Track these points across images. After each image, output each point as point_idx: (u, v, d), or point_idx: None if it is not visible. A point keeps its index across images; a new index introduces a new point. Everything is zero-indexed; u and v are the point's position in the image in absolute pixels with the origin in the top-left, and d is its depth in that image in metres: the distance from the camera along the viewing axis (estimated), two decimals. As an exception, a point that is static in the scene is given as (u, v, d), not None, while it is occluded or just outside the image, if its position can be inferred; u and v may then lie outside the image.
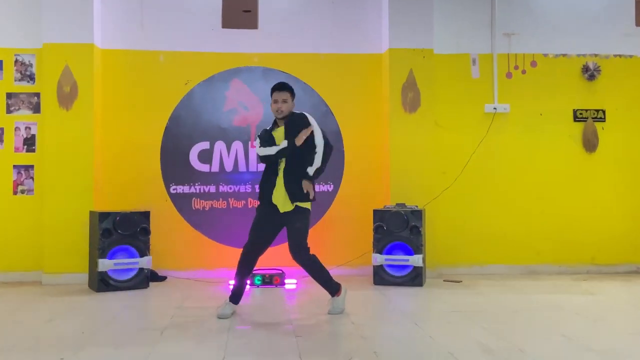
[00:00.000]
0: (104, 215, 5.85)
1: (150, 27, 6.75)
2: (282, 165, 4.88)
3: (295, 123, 4.90)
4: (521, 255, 7.00)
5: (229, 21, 6.91)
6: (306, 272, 5.02)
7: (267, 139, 4.90)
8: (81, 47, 6.38)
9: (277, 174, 4.87)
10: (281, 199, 4.83)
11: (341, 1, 6.95)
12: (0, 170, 6.52)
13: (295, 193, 4.81)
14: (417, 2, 6.75)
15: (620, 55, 7.11)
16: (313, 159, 4.86)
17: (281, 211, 4.83)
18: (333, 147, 5.09)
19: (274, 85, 4.99)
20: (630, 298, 5.56)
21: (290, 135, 4.84)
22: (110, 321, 4.66)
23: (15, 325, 4.54)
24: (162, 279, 6.50)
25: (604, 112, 7.07)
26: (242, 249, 4.93)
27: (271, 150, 4.82)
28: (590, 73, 7.05)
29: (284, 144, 4.81)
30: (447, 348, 3.80)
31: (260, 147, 4.89)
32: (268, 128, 5.05)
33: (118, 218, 5.86)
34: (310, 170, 4.83)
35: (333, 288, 4.98)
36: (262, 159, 4.95)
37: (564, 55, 7.08)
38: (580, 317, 4.76)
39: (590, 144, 7.05)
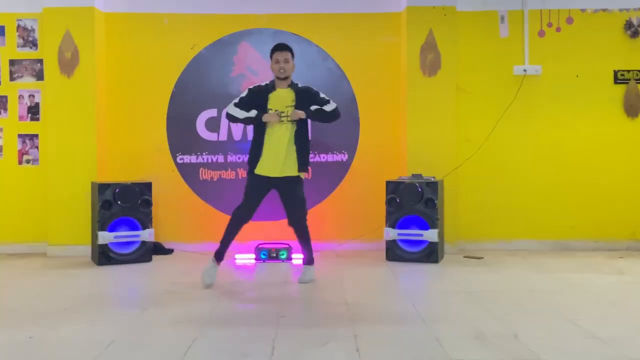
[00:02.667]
0: (103, 187, 5.91)
1: (154, -12, 6.71)
2: (283, 131, 5.02)
3: (308, 94, 5.13)
4: (553, 229, 6.75)
5: (237, -20, 6.82)
6: (297, 236, 5.24)
7: (247, 102, 5.09)
8: (82, 10, 6.39)
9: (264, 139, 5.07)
10: (280, 164, 5.00)
11: (357, -45, 6.76)
12: (5, 140, 6.66)
13: (301, 162, 5.05)
14: (439, -48, 6.50)
15: (668, 9, 6.70)
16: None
17: (277, 175, 5.00)
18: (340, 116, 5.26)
19: (275, 46, 5.20)
20: (664, 279, 5.31)
21: (302, 105, 5.04)
22: (95, 297, 4.72)
23: None
24: (168, 251, 6.56)
25: (649, 73, 6.70)
26: (235, 213, 5.11)
27: (239, 114, 5.08)
28: (634, 29, 6.66)
29: (252, 112, 5.02)
30: (436, 333, 3.69)
31: (233, 105, 5.12)
32: (263, 85, 5.18)
33: (118, 190, 5.91)
34: (328, 107, 5.11)
35: (312, 256, 5.24)
36: (227, 116, 5.20)
37: (604, 10, 6.69)
38: (598, 299, 4.57)
39: (633, 108, 6.70)
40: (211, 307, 4.35)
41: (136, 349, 3.47)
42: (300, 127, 5.07)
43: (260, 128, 5.06)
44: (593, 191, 6.71)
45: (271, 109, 5.03)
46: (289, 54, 5.10)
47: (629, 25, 6.67)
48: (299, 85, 5.18)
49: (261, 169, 5.01)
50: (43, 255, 6.45)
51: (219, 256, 5.09)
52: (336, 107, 5.13)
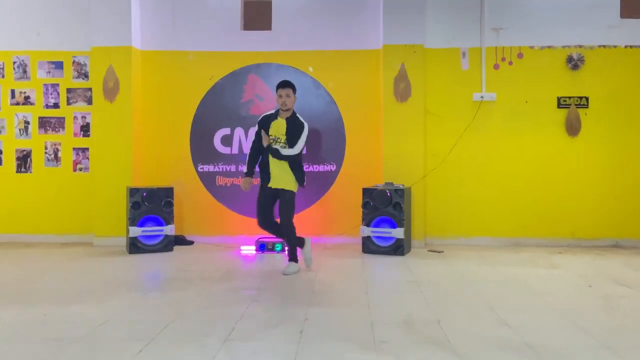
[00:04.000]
0: (133, 191, 5.95)
1: (181, 30, 6.72)
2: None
3: (295, 128, 4.96)
4: (507, 228, 6.57)
5: (247, 24, 6.80)
6: (283, 233, 5.10)
7: (258, 131, 5.06)
8: (122, 49, 6.44)
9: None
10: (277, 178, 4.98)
11: (345, 1, 6.66)
12: (63, 152, 6.76)
13: (291, 177, 5.00)
14: (411, 1, 6.36)
15: (604, 46, 6.44)
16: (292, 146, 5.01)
17: (277, 187, 4.97)
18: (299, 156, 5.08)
19: (279, 83, 5.05)
20: (588, 272, 5.07)
21: (289, 134, 4.94)
22: (114, 280, 4.71)
23: (28, 280, 4.69)
24: (190, 243, 6.57)
25: (587, 99, 6.46)
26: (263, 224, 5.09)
27: (248, 163, 5.14)
28: (574, 63, 6.44)
29: (248, 168, 5.16)
30: (374, 317, 3.59)
31: (251, 152, 5.14)
32: (269, 114, 5.09)
33: (145, 193, 5.94)
34: (283, 152, 4.93)
35: (295, 255, 5.12)
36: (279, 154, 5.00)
37: (549, 47, 6.49)
38: (524, 289, 4.40)
39: (573, 128, 6.48)
40: (198, 291, 4.32)
41: (123, 327, 3.45)
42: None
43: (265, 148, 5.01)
44: (540, 197, 6.52)
45: (271, 135, 4.96)
46: (291, 90, 4.97)
47: (569, 59, 6.45)
48: (297, 118, 5.00)
49: (264, 180, 5.02)
50: (90, 244, 6.53)
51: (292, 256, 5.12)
52: (293, 155, 4.92)
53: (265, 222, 5.03)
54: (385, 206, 5.86)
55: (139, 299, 4.10)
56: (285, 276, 4.90)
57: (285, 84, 4.99)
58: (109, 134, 6.48)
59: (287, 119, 4.99)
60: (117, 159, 6.46)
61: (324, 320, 3.56)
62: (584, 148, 6.47)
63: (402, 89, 6.36)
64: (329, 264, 5.43)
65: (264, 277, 4.91)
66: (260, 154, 5.04)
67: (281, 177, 4.94)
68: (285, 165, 4.94)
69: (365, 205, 5.95)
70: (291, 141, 4.92)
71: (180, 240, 6.47)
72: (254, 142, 5.09)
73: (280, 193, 4.98)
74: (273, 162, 4.94)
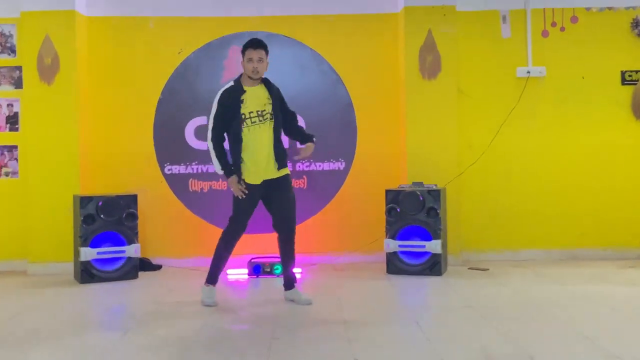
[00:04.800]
0: (85, 200, 5.63)
1: (139, -10, 6.46)
2: (264, 131, 4.65)
3: (279, 95, 4.79)
4: (561, 238, 6.50)
5: (225, -19, 6.58)
6: (283, 250, 4.82)
7: (222, 117, 4.66)
8: (62, 14, 6.12)
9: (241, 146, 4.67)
10: (266, 167, 4.67)
11: (352, -46, 6.52)
12: (-18, 152, 6.40)
13: (283, 158, 4.74)
14: (437, -49, 6.27)
15: (677, 7, 6.47)
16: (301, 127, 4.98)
17: (266, 178, 4.67)
18: None
19: (249, 42, 4.73)
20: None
21: (275, 102, 4.69)
22: (73, 318, 4.43)
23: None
24: (157, 267, 6.28)
25: (657, 73, 6.47)
26: (228, 231, 4.76)
27: (216, 165, 4.69)
28: (641, 28, 6.44)
29: (226, 167, 4.69)
30: (442, 354, 3.41)
31: (212, 142, 4.70)
32: (229, 87, 4.73)
33: (101, 203, 5.63)
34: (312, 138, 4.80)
35: (294, 276, 4.89)
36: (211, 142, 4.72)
37: (609, 8, 6.47)
38: (616, 313, 4.31)
39: (641, 110, 6.48)
40: (198, 328, 4.07)
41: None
42: (277, 121, 4.69)
43: (235, 134, 4.62)
44: (601, 196, 6.47)
45: (251, 112, 4.61)
46: (264, 52, 4.66)
47: (635, 24, 6.44)
48: (268, 80, 4.76)
49: (248, 177, 4.65)
50: (23, 273, 6.16)
51: (212, 280, 4.81)
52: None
53: (241, 232, 4.74)
54: (417, 212, 5.71)
55: (116, 341, 3.82)
56: (302, 308, 4.64)
57: (257, 43, 4.67)
58: (46, 126, 6.14)
59: (262, 83, 4.73)
60: (58, 159, 6.13)
61: (379, 361, 3.37)
62: (655, 134, 6.48)
63: (429, 62, 6.23)
64: (352, 289, 5.24)
65: (271, 307, 4.68)
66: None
67: (270, 162, 4.66)
68: (271, 142, 4.64)
69: (390, 211, 5.78)
70: (283, 109, 4.75)
71: (144, 265, 6.17)
72: (215, 127, 4.65)
73: (273, 185, 4.70)
74: (260, 144, 4.62)
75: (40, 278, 5.90)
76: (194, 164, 6.50)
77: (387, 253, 5.79)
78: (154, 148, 6.48)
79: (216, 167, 4.68)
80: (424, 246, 5.67)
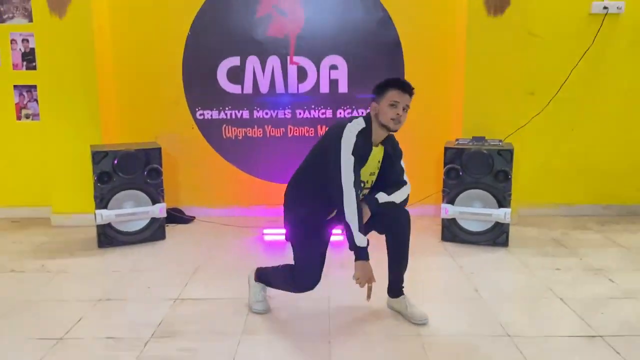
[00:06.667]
0: (98, 155, 3.49)
1: None
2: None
3: (395, 154, 2.49)
4: (620, 192, 4.31)
5: None
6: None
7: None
8: None
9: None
10: None
11: None
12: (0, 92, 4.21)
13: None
14: None
15: None
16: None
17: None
18: None
19: (395, 81, 2.40)
20: None
21: (383, 170, 2.47)
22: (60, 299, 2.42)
23: None
24: (189, 219, 4.22)
25: None
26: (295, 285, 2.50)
27: (357, 237, 2.26)
28: None
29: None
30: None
31: (354, 202, 2.25)
32: (361, 133, 2.33)
33: (116, 160, 3.49)
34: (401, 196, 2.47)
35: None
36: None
37: None
38: None
39: None
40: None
41: None
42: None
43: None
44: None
45: (366, 180, 2.44)
46: (410, 100, 2.39)
47: None
48: (393, 138, 2.51)
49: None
50: (47, 224, 4.13)
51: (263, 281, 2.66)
52: (408, 195, 2.51)
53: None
54: (484, 175, 3.52)
55: None
56: (352, 282, 2.37)
57: (407, 87, 2.38)
58: (61, 66, 3.91)
59: (384, 142, 2.45)
60: (75, 103, 3.94)
61: None
62: None
63: (497, -5, 3.83)
64: (418, 274, 3.12)
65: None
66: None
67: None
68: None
69: (448, 172, 3.59)
70: (390, 179, 2.47)
71: (175, 217, 4.12)
72: (355, 183, 2.27)
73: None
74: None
75: (62, 233, 3.89)
76: (227, 109, 4.27)
77: (443, 219, 3.65)
78: (183, 90, 4.25)
79: (357, 238, 2.26)
80: (490, 214, 3.51)
